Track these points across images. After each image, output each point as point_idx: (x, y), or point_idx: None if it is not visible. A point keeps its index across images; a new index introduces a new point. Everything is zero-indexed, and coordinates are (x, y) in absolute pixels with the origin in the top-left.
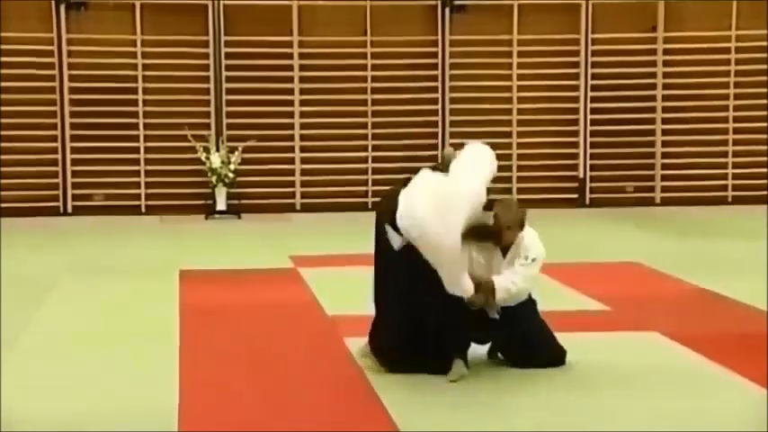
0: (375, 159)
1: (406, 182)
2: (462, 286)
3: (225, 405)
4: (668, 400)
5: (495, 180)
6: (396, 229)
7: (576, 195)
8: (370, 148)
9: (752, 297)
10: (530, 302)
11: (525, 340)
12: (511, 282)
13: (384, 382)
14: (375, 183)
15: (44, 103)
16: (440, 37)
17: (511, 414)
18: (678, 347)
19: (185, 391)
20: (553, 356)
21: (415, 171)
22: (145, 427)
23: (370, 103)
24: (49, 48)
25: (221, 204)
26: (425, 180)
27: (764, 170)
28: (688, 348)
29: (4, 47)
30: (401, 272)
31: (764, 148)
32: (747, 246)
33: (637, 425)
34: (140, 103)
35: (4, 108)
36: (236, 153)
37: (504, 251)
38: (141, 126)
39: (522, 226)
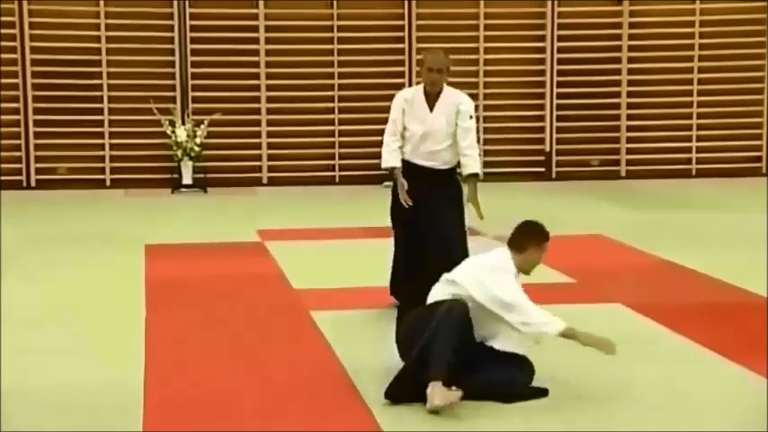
0: (342, 133)
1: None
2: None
3: (190, 378)
4: (630, 368)
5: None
6: None
7: (542, 169)
8: (336, 122)
9: (713, 269)
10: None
11: (447, 238)
12: (476, 158)
13: (349, 351)
14: (342, 156)
15: (6, 75)
16: (406, 10)
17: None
18: (641, 318)
19: (150, 366)
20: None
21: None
22: (110, 401)
23: (336, 76)
24: (11, 19)
25: (187, 178)
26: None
27: (728, 143)
28: (650, 319)
29: None
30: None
31: (728, 121)
32: (710, 218)
33: (600, 393)
34: (104, 75)
35: None
36: (202, 127)
37: (431, 102)
38: (105, 99)
39: (448, 70)
